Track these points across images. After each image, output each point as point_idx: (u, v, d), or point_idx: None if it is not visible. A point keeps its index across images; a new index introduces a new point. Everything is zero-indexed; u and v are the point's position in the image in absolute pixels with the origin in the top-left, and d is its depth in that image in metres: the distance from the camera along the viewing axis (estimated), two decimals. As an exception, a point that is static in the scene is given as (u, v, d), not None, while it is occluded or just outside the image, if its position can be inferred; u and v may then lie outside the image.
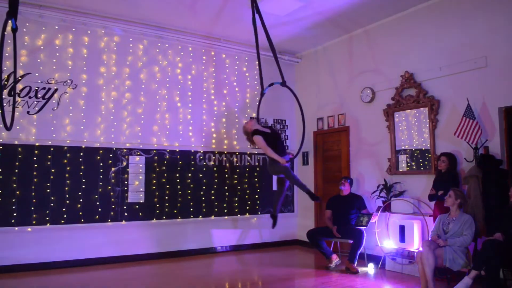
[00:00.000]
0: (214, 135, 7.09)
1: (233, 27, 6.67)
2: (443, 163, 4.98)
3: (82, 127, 6.01)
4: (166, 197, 6.50)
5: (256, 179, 7.40)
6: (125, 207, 6.16)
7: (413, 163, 5.80)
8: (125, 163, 6.23)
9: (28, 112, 5.68)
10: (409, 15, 5.92)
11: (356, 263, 5.50)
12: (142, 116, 6.47)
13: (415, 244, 5.29)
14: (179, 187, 6.61)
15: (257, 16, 4.67)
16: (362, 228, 5.63)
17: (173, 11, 6.03)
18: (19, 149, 5.56)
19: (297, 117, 7.93)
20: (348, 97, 6.90)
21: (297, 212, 7.84)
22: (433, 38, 5.57)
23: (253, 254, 6.88)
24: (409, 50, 5.89)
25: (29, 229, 5.51)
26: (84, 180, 5.91)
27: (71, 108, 5.97)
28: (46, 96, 5.81)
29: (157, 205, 6.41)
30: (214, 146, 7.04)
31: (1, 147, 5.46)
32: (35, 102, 5.74)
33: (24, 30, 5.71)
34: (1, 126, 4.83)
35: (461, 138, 4.81)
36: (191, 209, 6.67)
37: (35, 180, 5.61)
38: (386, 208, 5.76)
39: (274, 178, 5.58)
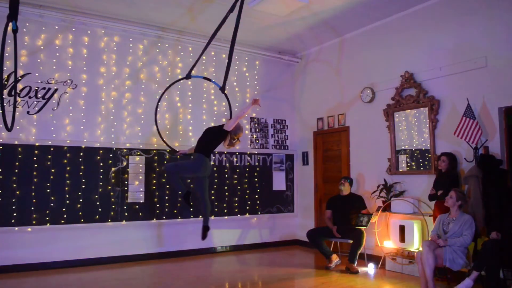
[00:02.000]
0: (214, 135, 7.08)
1: (233, 27, 6.64)
2: (443, 162, 4.97)
3: (82, 127, 6.02)
4: (166, 197, 6.49)
5: (256, 179, 7.39)
6: (125, 207, 6.16)
7: (413, 163, 5.80)
8: (125, 163, 6.23)
9: (28, 112, 5.68)
10: (409, 15, 5.92)
11: (356, 263, 5.50)
12: (142, 116, 6.47)
13: (415, 244, 5.30)
14: (179, 187, 6.61)
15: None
16: (362, 228, 5.63)
17: (173, 11, 6.03)
18: (19, 149, 5.55)
19: (297, 118, 7.94)
20: (348, 97, 6.90)
21: (297, 212, 7.83)
22: (433, 38, 5.57)
23: (253, 254, 6.88)
24: (409, 50, 5.89)
25: (29, 229, 5.51)
26: (84, 180, 5.91)
27: (71, 108, 5.97)
28: (46, 96, 5.81)
29: (157, 205, 6.41)
30: (214, 146, 7.03)
31: (1, 147, 5.46)
32: (35, 102, 5.74)
33: (24, 30, 5.70)
34: (1, 126, 4.84)
35: (461, 138, 4.81)
36: (191, 209, 6.66)
37: (35, 180, 5.61)
38: (386, 208, 5.76)
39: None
